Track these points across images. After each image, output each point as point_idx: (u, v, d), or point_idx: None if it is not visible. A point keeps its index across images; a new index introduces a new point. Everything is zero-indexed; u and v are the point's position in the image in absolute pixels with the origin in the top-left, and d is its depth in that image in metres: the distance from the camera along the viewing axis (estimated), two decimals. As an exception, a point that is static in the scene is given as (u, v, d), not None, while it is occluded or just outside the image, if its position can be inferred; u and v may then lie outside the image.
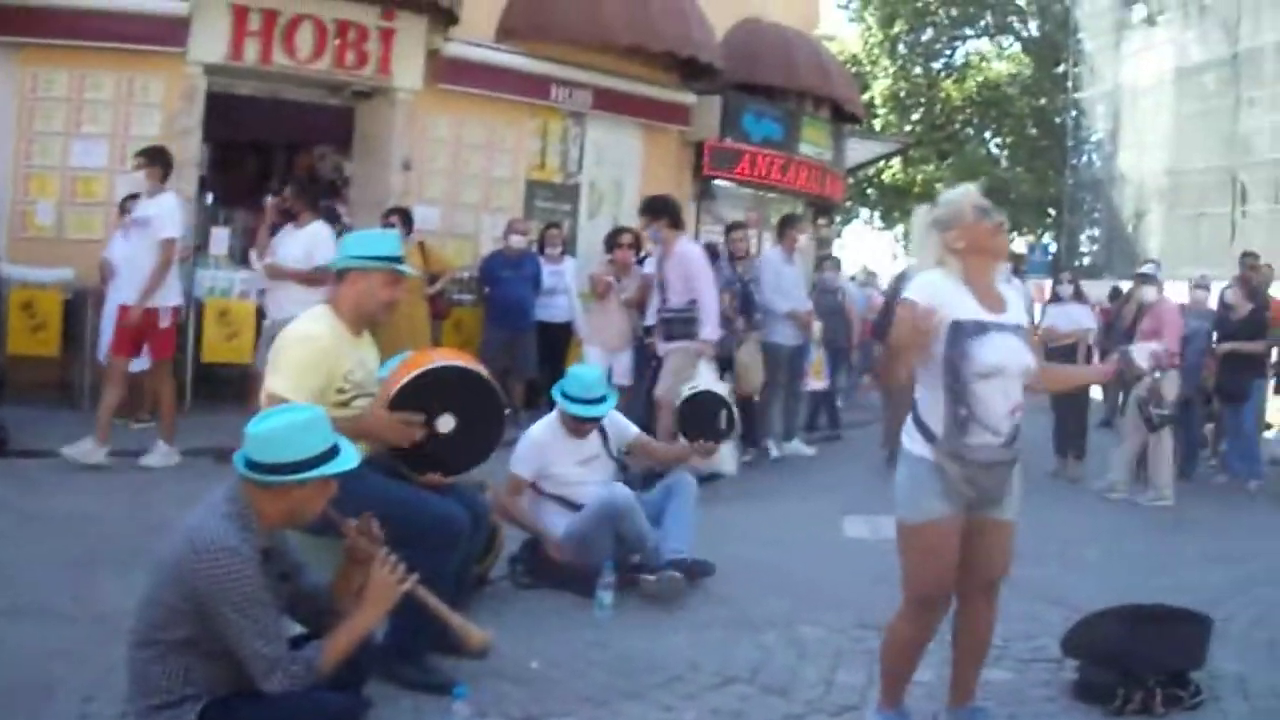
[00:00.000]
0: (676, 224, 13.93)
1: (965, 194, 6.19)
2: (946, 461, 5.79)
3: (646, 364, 15.05)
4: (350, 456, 5.20)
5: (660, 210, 13.90)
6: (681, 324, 13.68)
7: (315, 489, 5.09)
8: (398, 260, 6.92)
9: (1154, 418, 14.20)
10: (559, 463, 9.11)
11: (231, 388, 15.82)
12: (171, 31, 16.17)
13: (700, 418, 9.44)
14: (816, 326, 16.36)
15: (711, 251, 15.51)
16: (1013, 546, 6.22)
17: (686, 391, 9.76)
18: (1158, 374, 12.74)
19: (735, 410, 9.36)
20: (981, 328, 5.87)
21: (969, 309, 5.89)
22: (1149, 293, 15.24)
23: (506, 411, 7.54)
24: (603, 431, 9.32)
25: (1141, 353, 6.84)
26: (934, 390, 5.91)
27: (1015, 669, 7.64)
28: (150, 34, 16.09)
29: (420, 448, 6.81)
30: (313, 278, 12.59)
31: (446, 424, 6.84)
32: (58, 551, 9.04)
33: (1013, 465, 6.05)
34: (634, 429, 9.64)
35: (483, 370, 7.46)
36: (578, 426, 9.12)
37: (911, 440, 5.99)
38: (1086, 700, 7.04)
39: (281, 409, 5.37)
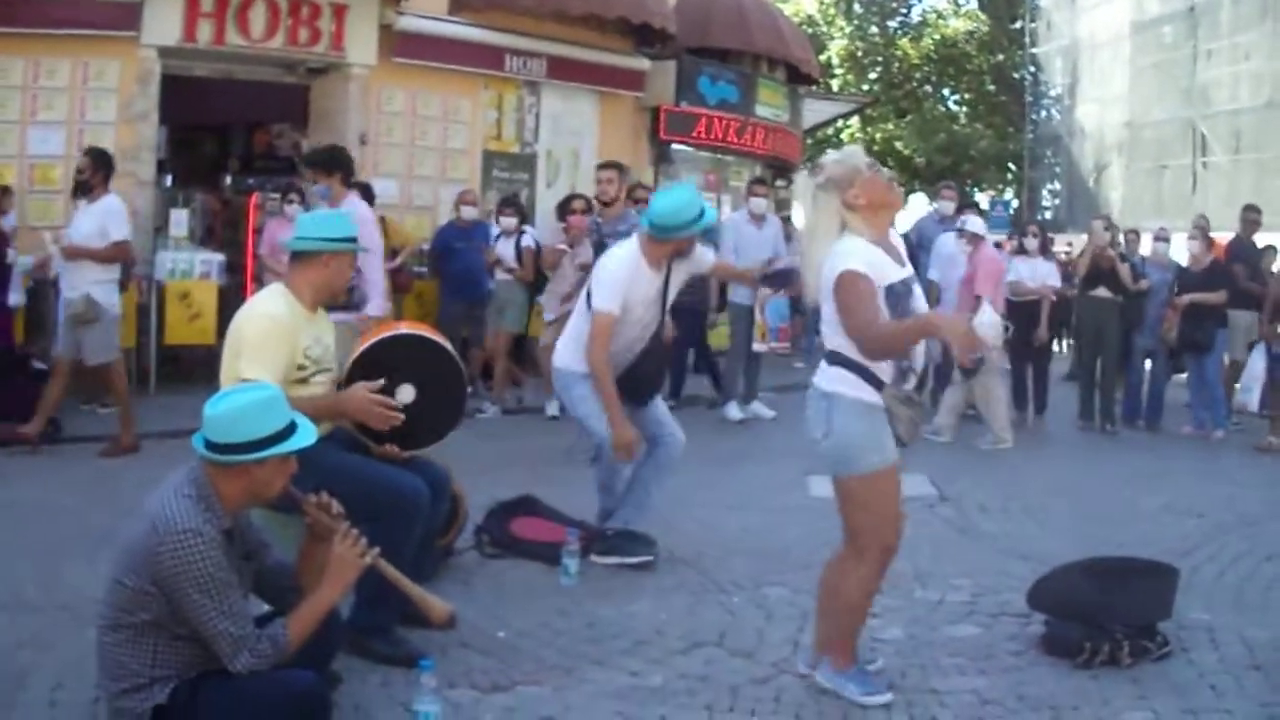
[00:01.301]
0: (349, 179, 12.21)
1: (853, 152, 6.33)
2: (899, 406, 5.88)
3: None
4: (307, 433, 5.19)
5: (332, 164, 11.99)
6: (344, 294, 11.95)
7: (274, 467, 5.08)
8: (355, 240, 6.99)
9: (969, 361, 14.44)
10: (634, 297, 8.75)
11: (195, 369, 15.81)
12: (125, 16, 16.15)
13: None
14: (763, 292, 16.21)
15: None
16: None
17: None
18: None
19: None
20: (907, 286, 6.08)
21: (892, 271, 6.06)
22: (961, 244, 15.53)
23: (469, 389, 7.54)
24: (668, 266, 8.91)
25: (986, 326, 6.92)
26: None
27: (983, 624, 7.70)
28: (104, 19, 16.06)
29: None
30: (109, 254, 12.41)
31: (406, 394, 6.86)
32: (20, 540, 9.04)
33: None
34: (710, 254, 9.35)
35: (446, 342, 7.50)
36: (678, 248, 8.82)
37: (856, 389, 6.04)
38: (1054, 654, 7.06)
39: (237, 388, 5.36)
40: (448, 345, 7.49)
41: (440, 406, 7.17)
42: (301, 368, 6.53)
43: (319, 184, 12.15)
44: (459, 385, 7.41)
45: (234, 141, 24.20)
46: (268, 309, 6.57)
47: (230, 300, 16.03)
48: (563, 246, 15.35)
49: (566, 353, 9.00)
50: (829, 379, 6.12)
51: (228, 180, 22.86)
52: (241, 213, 19.19)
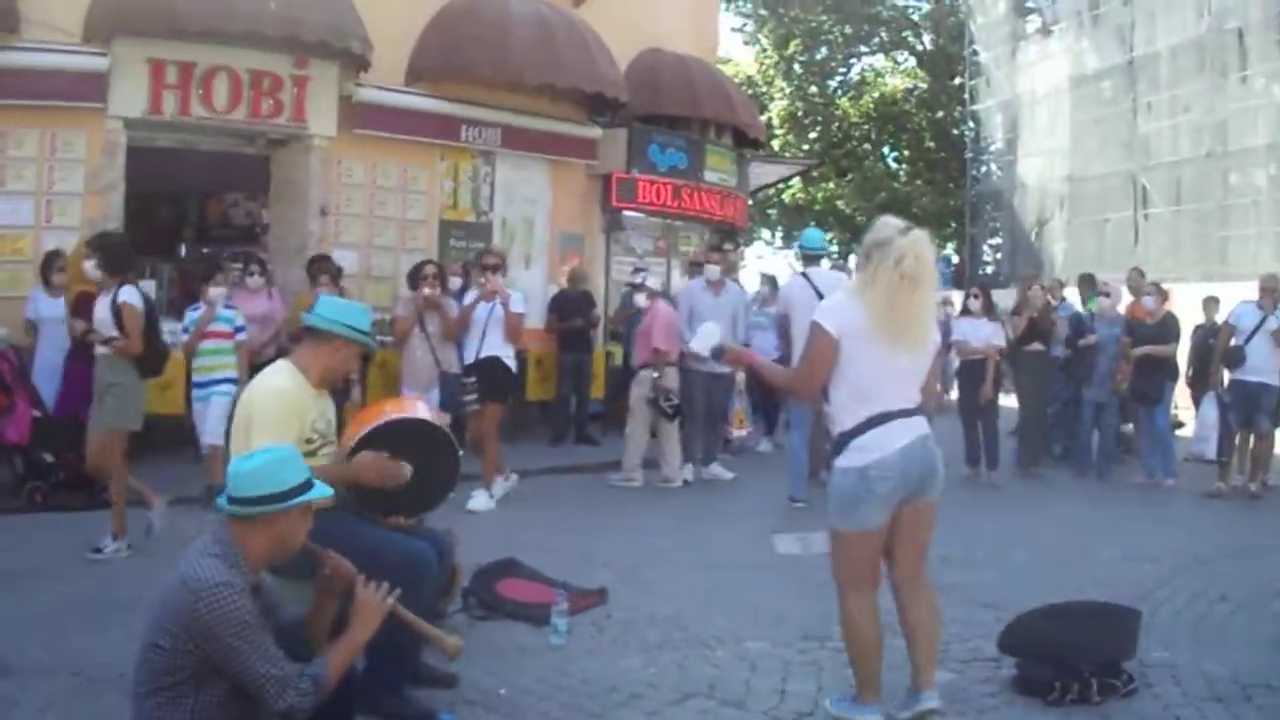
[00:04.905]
0: None
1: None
2: None
3: (455, 400, 14.69)
4: (324, 488, 5.48)
5: None
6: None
7: (297, 518, 5.35)
8: (371, 335, 7.34)
9: (668, 409, 15.64)
10: None
11: (165, 438, 15.95)
12: (92, 87, 16.35)
13: None
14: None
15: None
16: None
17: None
18: (655, 374, 15.19)
19: None
20: None
21: None
22: (640, 299, 16.60)
23: (459, 454, 7.85)
24: None
25: (701, 340, 7.46)
26: None
27: (956, 669, 8.01)
28: (71, 90, 16.23)
29: (383, 493, 7.11)
30: None
31: (405, 470, 7.14)
32: (22, 607, 9.24)
33: None
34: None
35: (434, 419, 7.86)
36: None
37: None
38: (1027, 694, 7.43)
39: (258, 450, 5.65)
40: (432, 419, 7.86)
41: (434, 475, 7.51)
42: (309, 440, 6.79)
43: None
44: (451, 454, 7.73)
45: (188, 209, 24.34)
46: (277, 384, 6.83)
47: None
48: (417, 312, 15.19)
49: None
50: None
51: (182, 250, 23.01)
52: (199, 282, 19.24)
